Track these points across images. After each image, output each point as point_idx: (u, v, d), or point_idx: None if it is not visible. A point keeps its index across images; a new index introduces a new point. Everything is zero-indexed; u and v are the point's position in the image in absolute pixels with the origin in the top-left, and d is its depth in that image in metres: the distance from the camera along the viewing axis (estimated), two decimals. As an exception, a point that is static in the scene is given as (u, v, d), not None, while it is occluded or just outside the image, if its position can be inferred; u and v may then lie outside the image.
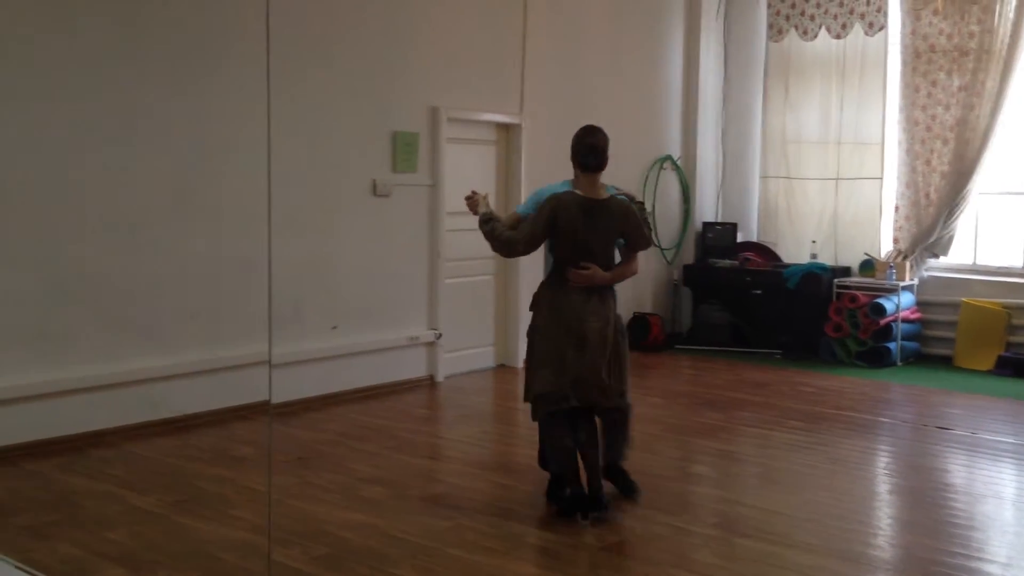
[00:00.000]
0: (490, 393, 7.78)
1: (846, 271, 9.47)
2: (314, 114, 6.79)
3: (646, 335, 9.40)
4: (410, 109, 7.47)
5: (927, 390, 7.92)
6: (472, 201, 4.95)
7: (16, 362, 5.46)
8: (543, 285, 4.83)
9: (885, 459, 6.10)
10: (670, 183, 10.04)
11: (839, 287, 9.17)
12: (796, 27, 9.79)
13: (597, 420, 4.78)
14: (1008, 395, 7.64)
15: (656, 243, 9.82)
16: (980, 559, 4.24)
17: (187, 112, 6.15)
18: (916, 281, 9.18)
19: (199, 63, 6.20)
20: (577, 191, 4.66)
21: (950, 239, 9.04)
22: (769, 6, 9.97)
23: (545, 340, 4.67)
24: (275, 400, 6.57)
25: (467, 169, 7.78)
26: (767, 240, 10.10)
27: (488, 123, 8.15)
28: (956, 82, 8.82)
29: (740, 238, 10.05)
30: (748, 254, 9.83)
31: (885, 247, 9.39)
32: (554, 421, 4.68)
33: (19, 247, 5.49)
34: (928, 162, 9.04)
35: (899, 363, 8.82)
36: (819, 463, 5.74)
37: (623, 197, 4.83)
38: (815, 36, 9.68)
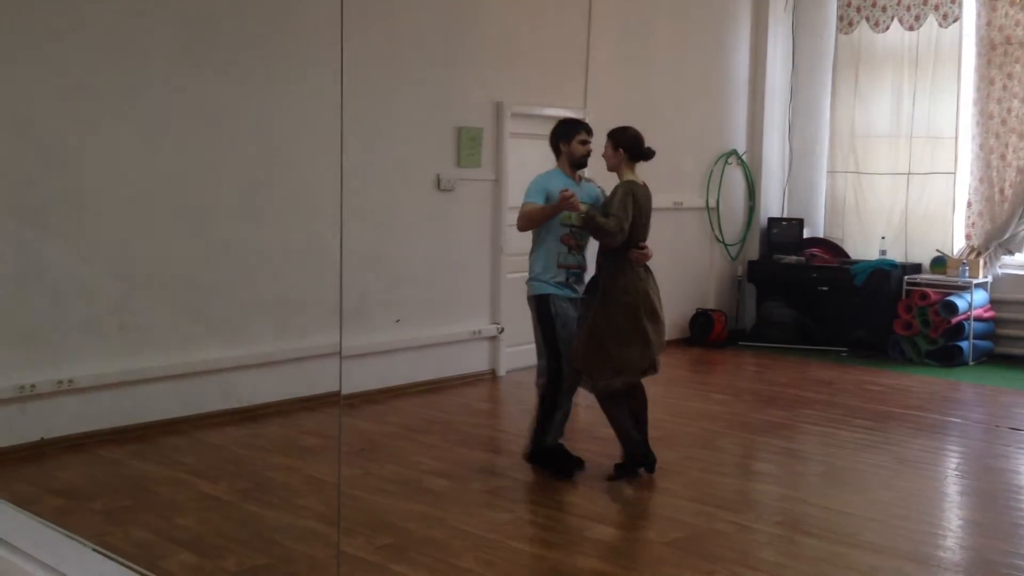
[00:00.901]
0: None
1: (917, 268, 9.28)
2: (379, 110, 6.86)
3: (709, 331, 9.32)
4: (474, 104, 7.51)
5: (999, 390, 7.73)
6: (574, 200, 5.04)
7: (95, 352, 5.63)
8: (601, 269, 5.10)
9: (955, 460, 5.97)
10: (735, 178, 9.93)
11: (909, 284, 8.99)
12: (867, 19, 9.61)
13: None
14: (1085, 396, 7.42)
15: (720, 238, 9.78)
16: (1054, 564, 4.14)
17: (258, 108, 6.26)
18: (989, 278, 8.97)
19: (270, 60, 6.30)
20: (635, 180, 5.11)
21: (1025, 236, 8.82)
22: (839, -2, 9.82)
23: (627, 319, 5.02)
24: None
25: (531, 164, 7.75)
26: (834, 236, 9.95)
27: (552, 118, 8.06)
28: (1033, 74, 8.60)
29: (806, 234, 9.92)
30: (814, 250, 9.70)
31: (957, 244, 9.19)
32: (620, 393, 5.09)
33: (98, 242, 5.66)
34: (1003, 156, 8.81)
35: (971, 362, 8.62)
36: (886, 463, 5.64)
37: (599, 188, 5.34)
38: (887, 28, 9.49)
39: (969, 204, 9.08)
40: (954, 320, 8.58)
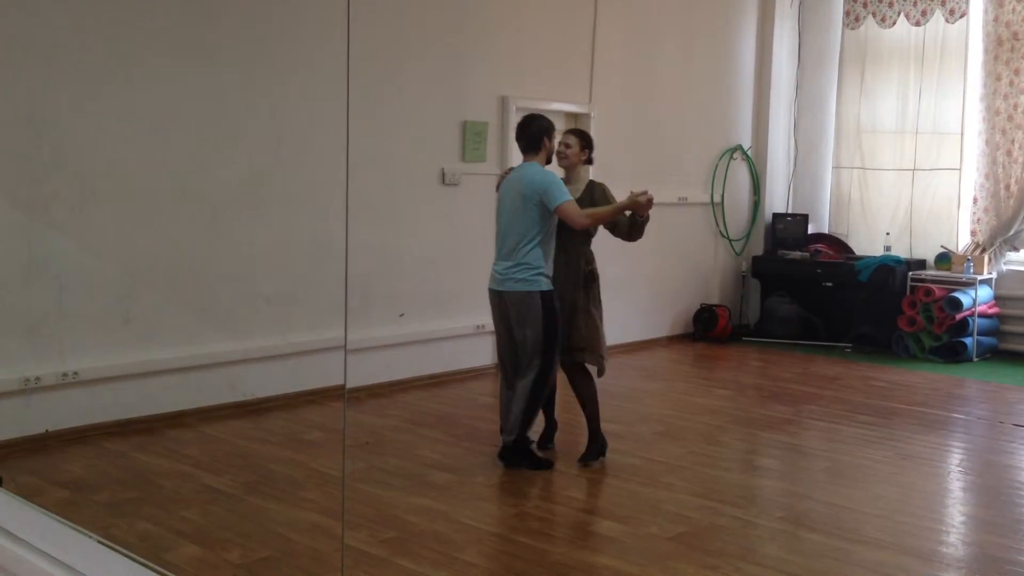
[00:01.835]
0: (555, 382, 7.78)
1: (921, 264, 9.26)
2: (384, 103, 6.86)
3: (713, 327, 9.32)
4: (479, 99, 7.50)
5: (1003, 387, 7.72)
6: (651, 200, 5.16)
7: (100, 345, 5.65)
8: (590, 259, 5.35)
9: (958, 456, 5.97)
10: (740, 174, 9.92)
11: (914, 280, 8.98)
12: (874, 14, 9.59)
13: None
14: (1090, 393, 7.41)
15: (724, 233, 9.77)
16: (1057, 560, 4.14)
17: (264, 101, 6.26)
18: (994, 275, 8.95)
19: (276, 55, 6.30)
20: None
21: (1031, 232, 8.80)
22: (845, -7, 9.80)
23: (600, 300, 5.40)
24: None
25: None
26: (838, 232, 9.94)
27: (557, 112, 8.13)
28: (1040, 70, 8.58)
29: (811, 230, 9.91)
30: (819, 246, 9.69)
31: (963, 240, 9.17)
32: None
33: (104, 235, 5.66)
34: (1009, 152, 8.79)
35: (975, 359, 8.61)
36: (889, 459, 5.64)
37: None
38: (893, 23, 9.47)
39: (975, 200, 9.06)
40: (958, 316, 8.57)
